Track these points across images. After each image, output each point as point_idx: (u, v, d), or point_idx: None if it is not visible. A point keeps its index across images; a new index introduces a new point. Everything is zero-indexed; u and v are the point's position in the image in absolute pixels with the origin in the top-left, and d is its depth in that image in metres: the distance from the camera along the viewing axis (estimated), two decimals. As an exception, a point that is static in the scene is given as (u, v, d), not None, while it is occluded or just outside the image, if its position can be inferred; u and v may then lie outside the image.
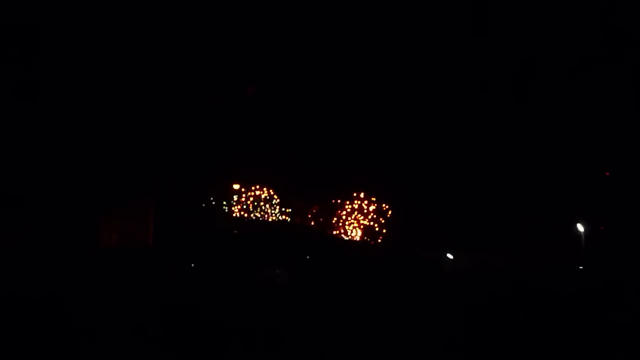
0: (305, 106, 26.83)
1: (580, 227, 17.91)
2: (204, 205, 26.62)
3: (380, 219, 29.96)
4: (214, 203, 27.91)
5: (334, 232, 29.30)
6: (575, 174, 21.12)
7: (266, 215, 28.76)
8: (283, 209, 29.33)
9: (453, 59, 22.51)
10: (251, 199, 28.74)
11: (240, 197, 28.69)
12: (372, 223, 29.86)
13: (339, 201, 30.01)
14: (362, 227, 29.90)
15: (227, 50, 21.73)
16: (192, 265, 15.65)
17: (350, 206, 30.04)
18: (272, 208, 28.91)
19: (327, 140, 27.89)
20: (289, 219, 29.30)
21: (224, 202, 28.46)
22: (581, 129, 20.62)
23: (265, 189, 29.01)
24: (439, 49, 22.53)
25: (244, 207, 28.62)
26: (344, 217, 29.74)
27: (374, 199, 29.71)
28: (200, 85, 22.32)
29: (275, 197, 29.10)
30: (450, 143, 24.49)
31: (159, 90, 18.81)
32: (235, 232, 20.74)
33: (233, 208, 28.36)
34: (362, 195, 30.15)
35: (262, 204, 28.83)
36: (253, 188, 28.90)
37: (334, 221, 29.77)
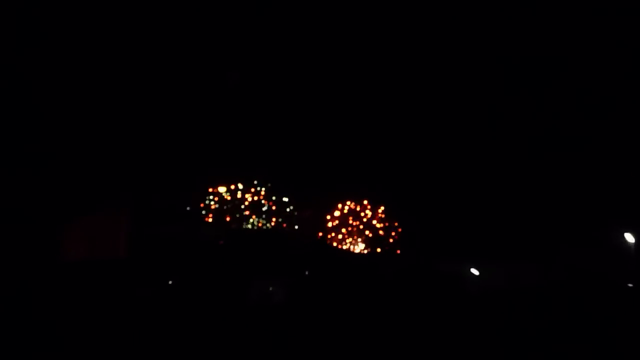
0: (302, 101, 27.71)
1: (629, 237, 17.71)
2: (187, 211, 26.98)
3: (388, 224, 29.98)
4: (197, 209, 28.22)
5: (333, 241, 29.49)
6: (624, 174, 21.43)
7: (257, 222, 29.14)
8: (274, 214, 29.70)
9: (466, 58, 23.76)
10: (244, 203, 29.09)
11: (227, 201, 29.08)
12: (378, 229, 29.92)
13: (338, 205, 30.17)
14: (366, 233, 29.92)
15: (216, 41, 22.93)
16: (171, 282, 15.74)
17: (347, 207, 30.15)
18: (264, 214, 29.33)
19: (326, 140, 28.64)
20: (282, 225, 29.62)
21: (209, 207, 28.83)
22: (629, 124, 21.33)
23: (253, 190, 29.45)
24: (449, 52, 23.83)
25: (231, 212, 29.01)
26: (348, 226, 29.96)
27: (380, 200, 29.84)
28: (183, 73, 23.27)
29: (265, 202, 29.49)
30: (474, 136, 25.04)
31: (132, 78, 19.57)
32: (222, 242, 20.68)
33: (219, 214, 28.76)
34: (364, 197, 30.33)
35: (249, 209, 29.31)
36: (240, 189, 29.32)
37: (329, 227, 29.88)
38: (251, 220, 29.14)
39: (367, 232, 29.99)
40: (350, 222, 30.16)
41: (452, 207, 25.96)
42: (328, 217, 29.99)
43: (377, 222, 30.15)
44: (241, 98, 25.81)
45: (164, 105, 22.34)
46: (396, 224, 29.81)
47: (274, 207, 29.77)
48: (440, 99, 25.16)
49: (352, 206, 30.36)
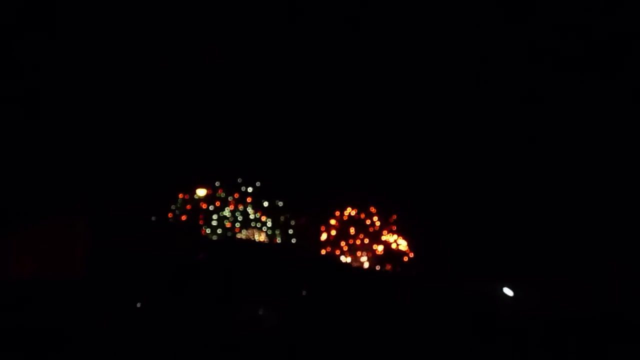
0: (295, 87, 27.58)
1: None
2: (158, 218, 26.79)
3: (403, 236, 29.61)
4: (171, 215, 28.27)
5: (333, 253, 29.33)
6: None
7: (244, 232, 29.07)
8: (263, 222, 29.73)
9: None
10: (227, 209, 29.13)
11: (208, 207, 29.08)
12: (391, 241, 29.52)
13: (337, 213, 30.00)
14: (373, 248, 29.51)
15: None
16: (139, 304, 15.37)
17: (347, 213, 29.98)
18: (253, 222, 29.35)
19: (324, 133, 28.45)
20: (273, 235, 29.55)
21: (185, 214, 28.78)
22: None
23: (237, 195, 29.49)
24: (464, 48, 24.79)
25: (211, 221, 29.02)
26: (349, 238, 29.73)
27: (391, 206, 29.52)
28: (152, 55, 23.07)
29: (252, 211, 29.55)
30: (507, 130, 25.39)
31: (89, 67, 19.38)
32: (202, 256, 20.07)
33: (197, 222, 28.64)
34: (370, 202, 30.05)
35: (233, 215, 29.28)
36: (221, 196, 29.28)
37: (324, 237, 29.70)
38: (235, 228, 29.17)
39: (374, 246, 29.62)
40: (352, 233, 29.88)
41: (479, 213, 25.92)
42: (322, 228, 29.83)
43: (388, 233, 29.80)
44: (220, 83, 25.78)
45: (125, 90, 22.36)
46: (411, 235, 29.45)
47: (263, 218, 29.71)
48: (466, 93, 25.87)
49: (353, 213, 30.10)
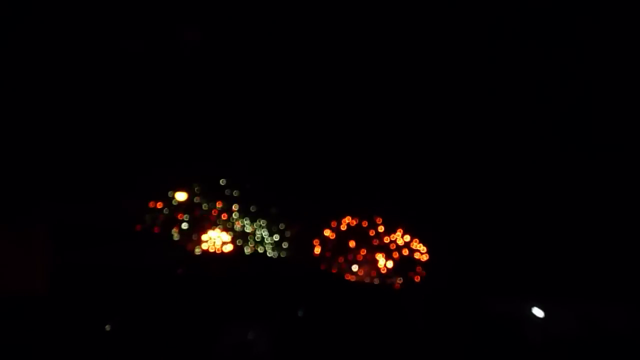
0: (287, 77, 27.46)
1: None
2: (130, 228, 26.74)
3: (414, 246, 29.48)
4: (144, 224, 28.24)
5: (332, 269, 29.21)
6: None
7: (229, 243, 29.19)
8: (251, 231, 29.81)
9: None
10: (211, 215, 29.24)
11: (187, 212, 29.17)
12: (400, 252, 29.41)
13: (333, 224, 29.89)
14: (382, 257, 29.38)
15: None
16: (108, 327, 15.32)
17: (346, 223, 29.84)
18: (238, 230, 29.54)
19: (321, 130, 28.21)
20: (264, 246, 29.61)
21: (160, 221, 28.85)
22: None
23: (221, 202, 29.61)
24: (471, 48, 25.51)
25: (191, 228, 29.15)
26: (348, 252, 29.62)
27: (401, 217, 29.42)
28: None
29: (237, 221, 29.71)
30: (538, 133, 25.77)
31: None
32: (182, 271, 19.93)
33: (176, 231, 28.80)
34: (375, 210, 29.81)
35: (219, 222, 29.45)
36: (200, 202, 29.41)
37: (318, 250, 29.61)
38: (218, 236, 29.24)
39: (380, 261, 29.53)
40: (353, 246, 29.76)
41: (503, 223, 26.12)
42: (316, 242, 29.78)
43: (396, 246, 29.68)
44: (198, 68, 25.55)
45: (86, 78, 22.67)
46: (424, 246, 29.40)
47: (252, 230, 29.81)
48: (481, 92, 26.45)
49: (353, 223, 29.95)
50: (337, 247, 29.95)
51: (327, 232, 29.82)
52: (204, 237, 29.70)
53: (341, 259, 29.65)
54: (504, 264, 25.17)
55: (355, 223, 30.03)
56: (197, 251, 28.57)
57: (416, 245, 30.04)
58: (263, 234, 30.19)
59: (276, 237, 30.40)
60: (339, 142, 28.60)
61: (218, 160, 29.01)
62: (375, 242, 29.92)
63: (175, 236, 28.98)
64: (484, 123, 27.25)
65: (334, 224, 29.88)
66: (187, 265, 21.47)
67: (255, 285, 18.66)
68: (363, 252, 29.84)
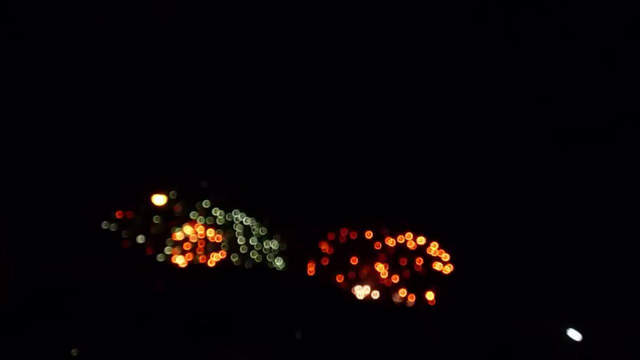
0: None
1: None
2: (101, 235, 26.98)
3: (433, 251, 29.55)
4: (117, 231, 28.36)
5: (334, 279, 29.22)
6: None
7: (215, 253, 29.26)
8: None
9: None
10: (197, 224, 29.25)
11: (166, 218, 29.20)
12: (412, 266, 29.43)
13: (330, 237, 30.06)
14: (391, 272, 29.42)
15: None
16: (75, 352, 15.25)
17: (345, 236, 29.93)
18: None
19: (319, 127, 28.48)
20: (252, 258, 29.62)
21: (136, 229, 28.85)
22: None
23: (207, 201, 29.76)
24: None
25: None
26: (349, 269, 29.77)
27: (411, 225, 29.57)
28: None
29: (220, 237, 29.75)
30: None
31: None
32: (161, 285, 19.63)
33: (152, 239, 28.85)
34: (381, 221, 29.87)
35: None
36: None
37: (313, 263, 29.76)
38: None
39: (387, 277, 29.55)
40: (356, 263, 29.86)
41: (535, 235, 26.40)
42: (310, 265, 29.80)
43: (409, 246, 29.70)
44: (174, 54, 25.72)
45: (50, 71, 22.96)
46: (445, 254, 29.40)
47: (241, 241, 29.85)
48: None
49: (353, 237, 30.06)
50: (338, 260, 30.06)
51: (324, 246, 30.03)
52: (185, 246, 29.80)
53: (341, 276, 29.72)
54: (535, 283, 25.16)
55: (355, 236, 30.12)
56: (181, 262, 28.74)
57: (435, 250, 29.93)
58: (253, 242, 30.36)
59: (274, 245, 30.58)
60: (337, 146, 28.79)
61: (200, 163, 29.06)
62: (383, 257, 29.92)
63: (152, 246, 29.00)
64: (507, 130, 27.72)
65: (331, 236, 30.07)
66: (167, 278, 21.40)
67: (246, 302, 18.40)
68: (365, 271, 29.84)
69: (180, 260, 28.75)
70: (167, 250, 29.12)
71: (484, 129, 27.92)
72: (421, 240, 29.81)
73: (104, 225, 28.11)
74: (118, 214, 28.78)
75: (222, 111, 28.20)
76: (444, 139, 28.33)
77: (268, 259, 30.10)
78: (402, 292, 29.24)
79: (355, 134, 28.59)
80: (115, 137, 26.32)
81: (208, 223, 29.91)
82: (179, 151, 28.11)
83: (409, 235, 29.76)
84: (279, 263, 30.11)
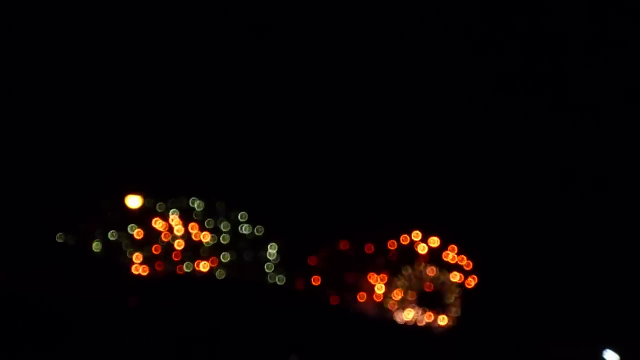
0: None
1: None
2: (70, 243, 27.15)
3: (450, 257, 29.29)
4: (88, 239, 28.40)
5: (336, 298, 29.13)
6: None
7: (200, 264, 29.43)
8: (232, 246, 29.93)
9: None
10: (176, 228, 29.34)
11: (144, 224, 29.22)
12: (426, 281, 29.21)
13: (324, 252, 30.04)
14: (403, 288, 29.21)
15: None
16: None
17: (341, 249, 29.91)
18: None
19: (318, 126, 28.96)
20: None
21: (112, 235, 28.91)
22: None
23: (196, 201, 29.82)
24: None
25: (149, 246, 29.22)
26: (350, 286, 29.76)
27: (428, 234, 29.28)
28: None
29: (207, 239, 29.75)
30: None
31: None
32: (136, 301, 19.89)
33: (131, 250, 28.89)
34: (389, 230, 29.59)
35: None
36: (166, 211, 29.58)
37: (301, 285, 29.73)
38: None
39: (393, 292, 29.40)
40: (350, 282, 29.76)
41: (567, 249, 26.77)
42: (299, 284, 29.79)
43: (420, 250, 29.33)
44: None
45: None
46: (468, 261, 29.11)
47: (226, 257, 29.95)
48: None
49: (351, 251, 30.00)
50: (335, 275, 30.03)
51: (314, 261, 30.10)
52: (163, 257, 29.80)
53: (337, 296, 29.66)
54: (569, 302, 25.43)
55: (353, 250, 30.05)
56: (145, 272, 28.76)
57: (453, 256, 29.52)
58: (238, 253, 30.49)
59: (272, 256, 30.58)
60: (337, 146, 29.12)
61: (175, 166, 29.04)
62: (386, 273, 29.82)
63: (127, 255, 29.04)
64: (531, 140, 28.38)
65: (325, 252, 30.08)
66: (142, 293, 21.50)
67: (235, 321, 18.57)
68: (363, 296, 29.77)
69: (144, 270, 28.82)
70: (128, 254, 29.08)
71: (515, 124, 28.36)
72: (434, 242, 29.44)
73: (59, 237, 27.95)
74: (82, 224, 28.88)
75: (217, 113, 28.62)
76: (469, 133, 28.74)
77: (267, 270, 30.19)
78: (409, 311, 29.18)
79: (356, 135, 28.92)
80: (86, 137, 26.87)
81: (187, 219, 30.00)
82: (159, 151, 28.36)
83: (417, 235, 29.43)
84: (278, 277, 30.14)
